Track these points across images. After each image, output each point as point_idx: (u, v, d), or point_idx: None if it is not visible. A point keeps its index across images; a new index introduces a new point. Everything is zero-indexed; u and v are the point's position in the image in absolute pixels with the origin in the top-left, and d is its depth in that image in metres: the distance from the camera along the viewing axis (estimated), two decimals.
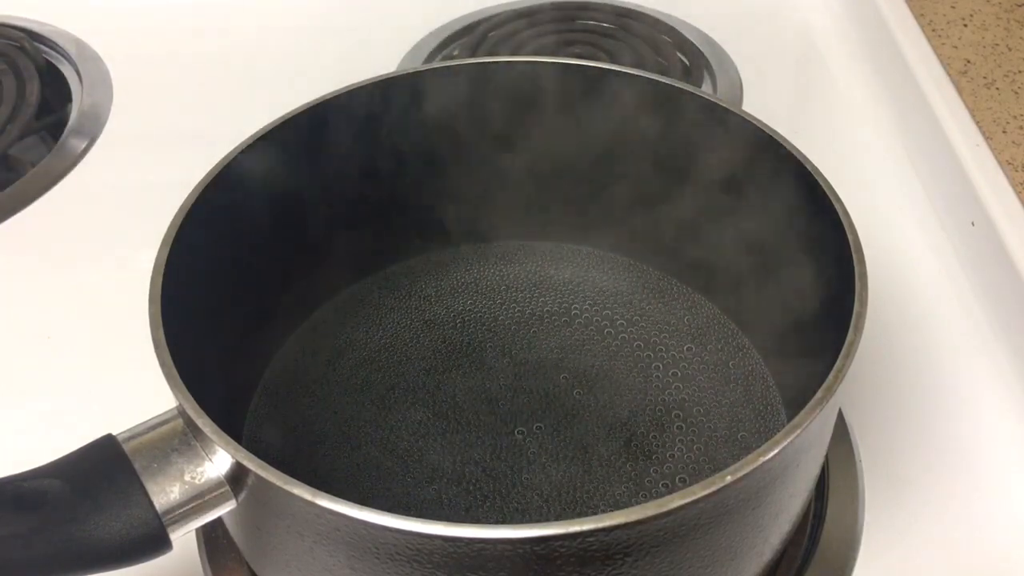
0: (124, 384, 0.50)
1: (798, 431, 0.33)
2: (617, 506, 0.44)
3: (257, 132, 0.46)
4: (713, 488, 0.31)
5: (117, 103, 0.76)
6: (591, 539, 0.31)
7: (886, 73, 0.73)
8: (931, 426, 0.52)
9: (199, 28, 0.85)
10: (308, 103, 0.48)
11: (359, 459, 0.47)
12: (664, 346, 0.51)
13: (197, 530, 0.45)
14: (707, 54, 0.78)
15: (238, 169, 0.45)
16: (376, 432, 0.48)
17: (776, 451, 0.32)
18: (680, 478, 0.45)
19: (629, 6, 0.83)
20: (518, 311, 0.54)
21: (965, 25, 0.72)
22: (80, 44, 0.82)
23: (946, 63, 0.68)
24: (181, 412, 0.36)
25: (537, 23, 0.81)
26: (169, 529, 0.35)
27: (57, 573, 0.34)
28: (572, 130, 0.52)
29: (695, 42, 0.79)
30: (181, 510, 0.35)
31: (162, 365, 0.36)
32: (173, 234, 0.41)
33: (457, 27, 0.82)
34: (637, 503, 0.35)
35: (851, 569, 0.46)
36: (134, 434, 0.36)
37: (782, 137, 0.45)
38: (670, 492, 0.31)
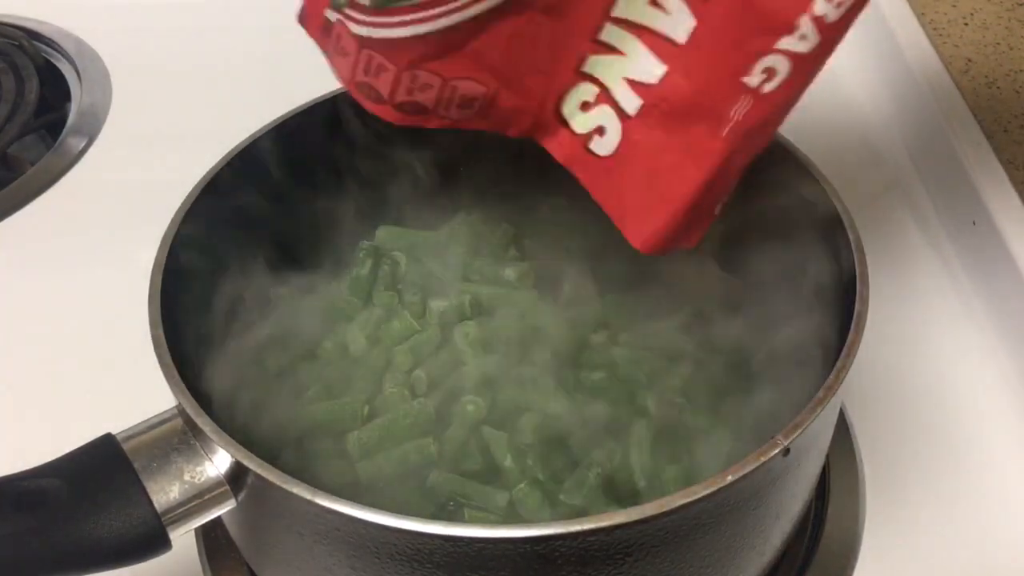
0: (123, 383, 0.50)
1: (799, 431, 0.33)
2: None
3: (256, 131, 0.46)
4: (713, 488, 0.31)
5: (116, 102, 0.76)
6: (592, 539, 0.31)
7: (887, 72, 0.73)
8: (932, 426, 0.52)
9: (198, 27, 0.85)
10: (307, 102, 0.48)
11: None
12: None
13: (196, 529, 0.45)
14: None
15: (237, 168, 0.45)
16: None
17: (776, 451, 0.32)
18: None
19: None
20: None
21: (966, 24, 0.72)
22: (79, 43, 0.82)
23: (947, 62, 0.68)
24: (180, 411, 0.35)
25: None
26: (169, 528, 0.34)
27: (56, 572, 0.34)
28: None
29: None
30: (181, 509, 0.35)
31: (161, 364, 0.36)
32: (172, 233, 0.41)
33: None
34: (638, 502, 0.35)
35: (852, 569, 0.46)
36: (133, 433, 0.36)
37: (782, 136, 0.45)
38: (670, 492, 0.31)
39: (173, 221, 0.41)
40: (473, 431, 0.43)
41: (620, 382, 0.45)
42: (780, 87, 0.34)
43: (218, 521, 0.37)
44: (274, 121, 0.47)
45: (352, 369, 0.46)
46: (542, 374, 0.45)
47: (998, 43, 0.70)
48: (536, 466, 0.42)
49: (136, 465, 0.35)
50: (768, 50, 0.33)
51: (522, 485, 0.40)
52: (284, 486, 0.32)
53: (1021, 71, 0.67)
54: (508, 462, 0.42)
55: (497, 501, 0.40)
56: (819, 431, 0.38)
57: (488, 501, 0.41)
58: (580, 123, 0.39)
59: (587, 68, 0.38)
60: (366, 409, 0.44)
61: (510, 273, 0.48)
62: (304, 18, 0.42)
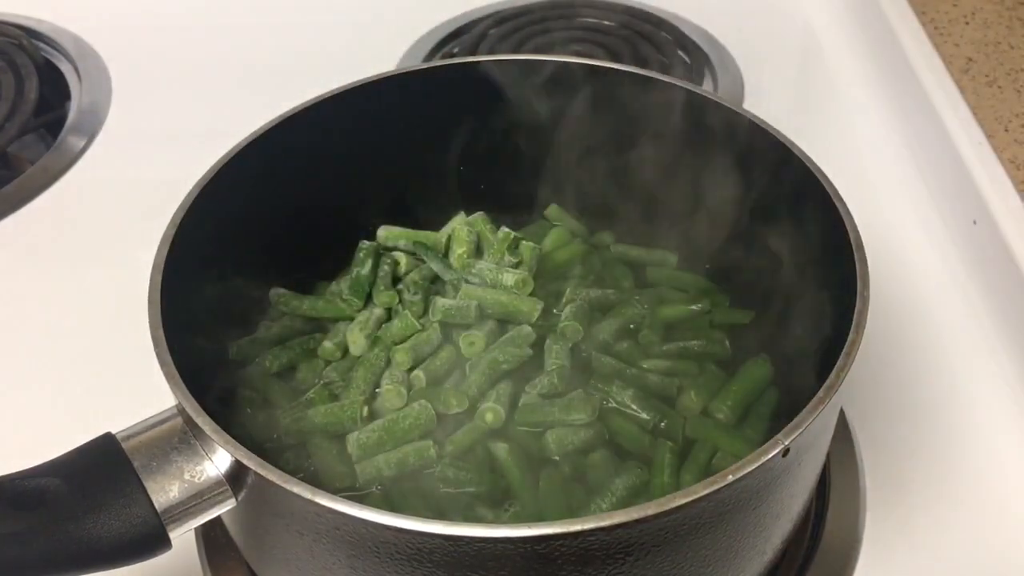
0: (123, 382, 0.50)
1: (799, 430, 0.33)
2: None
3: (257, 130, 0.46)
4: (714, 487, 0.31)
5: (116, 101, 0.76)
6: (592, 538, 0.31)
7: (888, 71, 0.73)
8: (933, 425, 0.52)
9: (198, 26, 0.85)
10: (308, 101, 0.48)
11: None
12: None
13: (196, 529, 0.45)
14: (709, 52, 0.78)
15: (237, 167, 0.45)
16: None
17: (777, 450, 0.32)
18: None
19: (630, 3, 0.83)
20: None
21: (967, 23, 0.72)
22: (79, 42, 0.82)
23: (948, 61, 0.68)
24: (180, 411, 0.35)
25: (537, 20, 0.81)
26: (168, 528, 0.34)
27: (56, 572, 0.34)
28: (573, 126, 0.52)
29: (697, 40, 0.79)
30: (180, 509, 0.35)
31: (161, 364, 0.36)
32: (172, 232, 0.41)
33: (457, 24, 0.82)
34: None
35: (852, 568, 0.46)
36: (133, 432, 0.36)
37: (783, 136, 0.45)
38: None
39: (173, 221, 0.41)
40: (480, 441, 0.43)
41: (646, 398, 0.45)
42: None
43: (218, 521, 0.37)
44: (273, 120, 0.47)
45: (352, 369, 0.46)
46: (553, 388, 0.45)
47: (999, 42, 0.70)
48: (547, 489, 0.42)
49: (136, 464, 0.34)
50: None
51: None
52: (284, 485, 0.32)
53: (1022, 70, 0.67)
54: (515, 481, 0.42)
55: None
56: (819, 431, 0.38)
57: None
58: None
59: None
60: (365, 410, 0.44)
61: (509, 278, 0.48)
62: None
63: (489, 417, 0.43)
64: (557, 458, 0.43)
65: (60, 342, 0.57)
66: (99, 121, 0.74)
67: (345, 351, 0.48)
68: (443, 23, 0.82)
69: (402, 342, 0.47)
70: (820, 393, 0.34)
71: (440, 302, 0.47)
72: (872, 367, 0.54)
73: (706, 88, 0.67)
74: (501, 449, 0.42)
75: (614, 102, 0.50)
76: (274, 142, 0.47)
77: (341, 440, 0.43)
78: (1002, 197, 0.57)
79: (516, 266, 0.49)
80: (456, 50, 0.80)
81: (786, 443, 0.33)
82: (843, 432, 0.51)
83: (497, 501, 0.41)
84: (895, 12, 0.73)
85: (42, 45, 0.81)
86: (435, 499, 0.42)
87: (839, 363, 0.35)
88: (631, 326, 0.49)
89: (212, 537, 0.46)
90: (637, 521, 0.31)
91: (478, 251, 0.51)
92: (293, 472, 0.33)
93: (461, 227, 0.51)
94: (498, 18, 0.81)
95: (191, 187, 0.43)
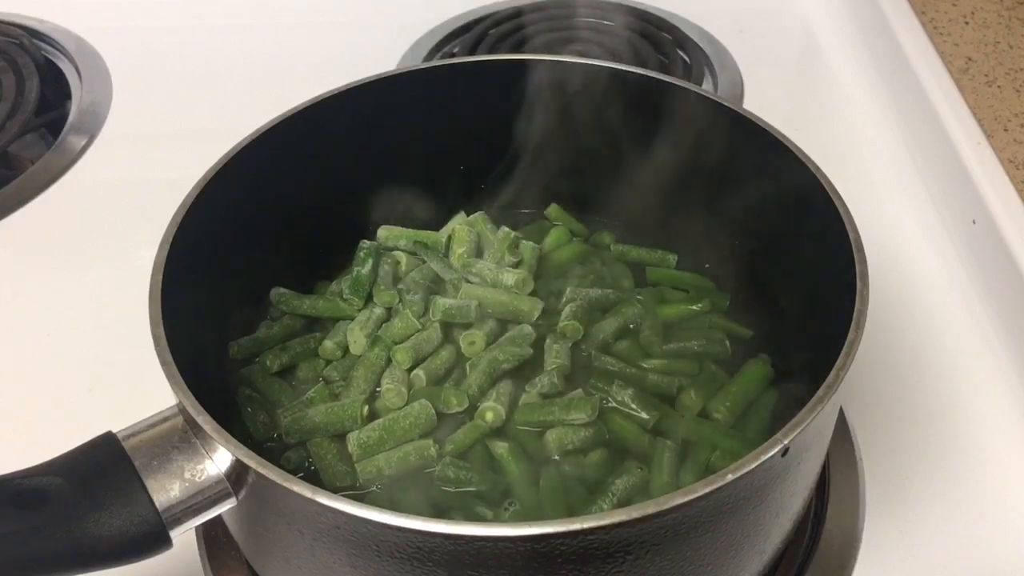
0: (123, 382, 0.50)
1: (799, 429, 0.33)
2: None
3: (257, 130, 0.46)
4: (714, 486, 0.31)
5: (117, 100, 0.76)
6: (592, 537, 0.31)
7: (887, 71, 0.73)
8: (932, 425, 0.52)
9: (198, 26, 0.85)
10: (308, 101, 0.48)
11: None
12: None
13: (197, 528, 0.45)
14: (708, 52, 0.78)
15: (237, 167, 0.45)
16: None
17: (776, 450, 0.32)
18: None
19: (630, 3, 0.83)
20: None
21: (966, 23, 0.72)
22: (80, 41, 0.82)
23: (947, 61, 0.68)
24: (181, 409, 0.36)
25: (537, 20, 0.81)
26: (169, 527, 0.34)
27: (57, 570, 0.34)
28: (573, 127, 0.52)
29: (696, 40, 0.79)
30: (181, 508, 0.35)
31: (162, 362, 0.36)
32: (173, 232, 0.41)
33: (457, 24, 0.82)
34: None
35: (852, 567, 0.46)
36: (134, 431, 0.36)
37: (783, 135, 0.45)
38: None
39: (173, 221, 0.41)
40: (480, 440, 0.43)
41: (645, 398, 0.45)
42: None
43: (218, 519, 0.37)
44: (273, 120, 0.47)
45: (353, 368, 0.46)
46: (553, 388, 0.45)
47: (998, 42, 0.70)
48: (547, 488, 0.42)
49: (137, 463, 0.35)
50: None
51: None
52: (284, 484, 0.32)
53: (1021, 70, 0.67)
54: (516, 480, 0.42)
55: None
56: (819, 430, 0.38)
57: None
58: None
59: None
60: (366, 409, 0.44)
61: (509, 278, 0.48)
62: None
63: (489, 416, 0.43)
64: (557, 457, 0.43)
65: (60, 342, 0.57)
66: (100, 121, 0.74)
67: (345, 350, 0.48)
68: (443, 23, 0.82)
69: (402, 341, 0.47)
70: (820, 392, 0.34)
71: (440, 301, 0.47)
72: (872, 366, 0.54)
73: (706, 88, 0.67)
74: (501, 448, 0.43)
75: (613, 102, 0.50)
76: (274, 142, 0.47)
77: (341, 439, 0.43)
78: (1001, 196, 0.57)
79: (516, 266, 0.50)
80: (456, 50, 0.80)
81: (785, 442, 0.33)
82: (843, 432, 0.51)
83: (497, 500, 0.42)
84: (894, 12, 0.73)
85: (43, 45, 0.81)
86: (435, 498, 0.42)
87: (838, 362, 0.35)
88: (631, 326, 0.49)
89: (213, 536, 0.47)
90: (637, 520, 0.31)
91: (478, 251, 0.51)
92: (293, 471, 0.33)
93: (461, 227, 0.51)
94: (498, 18, 0.81)
95: (191, 187, 0.43)
